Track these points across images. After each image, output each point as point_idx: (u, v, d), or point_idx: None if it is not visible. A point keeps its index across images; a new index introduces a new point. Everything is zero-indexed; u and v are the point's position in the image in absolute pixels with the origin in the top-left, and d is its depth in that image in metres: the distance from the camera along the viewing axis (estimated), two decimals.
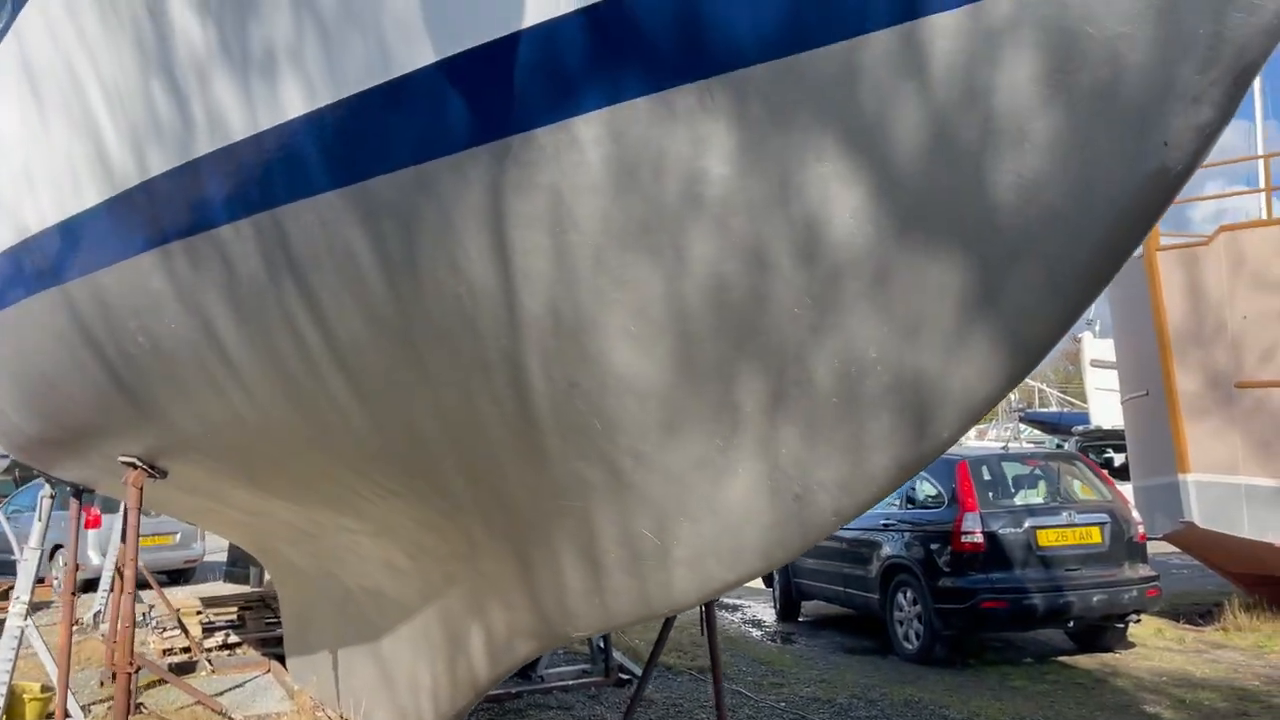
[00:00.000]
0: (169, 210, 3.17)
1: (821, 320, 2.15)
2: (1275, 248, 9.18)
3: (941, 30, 1.73)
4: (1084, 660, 9.03)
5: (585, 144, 2.20)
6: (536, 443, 3.06)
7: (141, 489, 4.86)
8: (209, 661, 9.36)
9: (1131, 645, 9.55)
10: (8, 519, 17.91)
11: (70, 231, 3.58)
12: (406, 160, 2.49)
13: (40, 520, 7.69)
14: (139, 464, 4.81)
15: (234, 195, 2.95)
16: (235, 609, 11.07)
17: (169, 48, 2.85)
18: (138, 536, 4.87)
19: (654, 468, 2.80)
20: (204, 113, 2.85)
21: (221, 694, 8.46)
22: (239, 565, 13.93)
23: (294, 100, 2.61)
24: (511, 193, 2.37)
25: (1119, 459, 18.16)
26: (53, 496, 7.84)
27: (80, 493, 6.91)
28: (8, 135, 3.67)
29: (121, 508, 8.32)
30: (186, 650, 9.97)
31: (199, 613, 10.80)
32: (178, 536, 16.15)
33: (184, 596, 12.23)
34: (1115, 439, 18.63)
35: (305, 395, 3.43)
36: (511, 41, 2.17)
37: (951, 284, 1.93)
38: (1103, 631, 9.29)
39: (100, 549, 15.82)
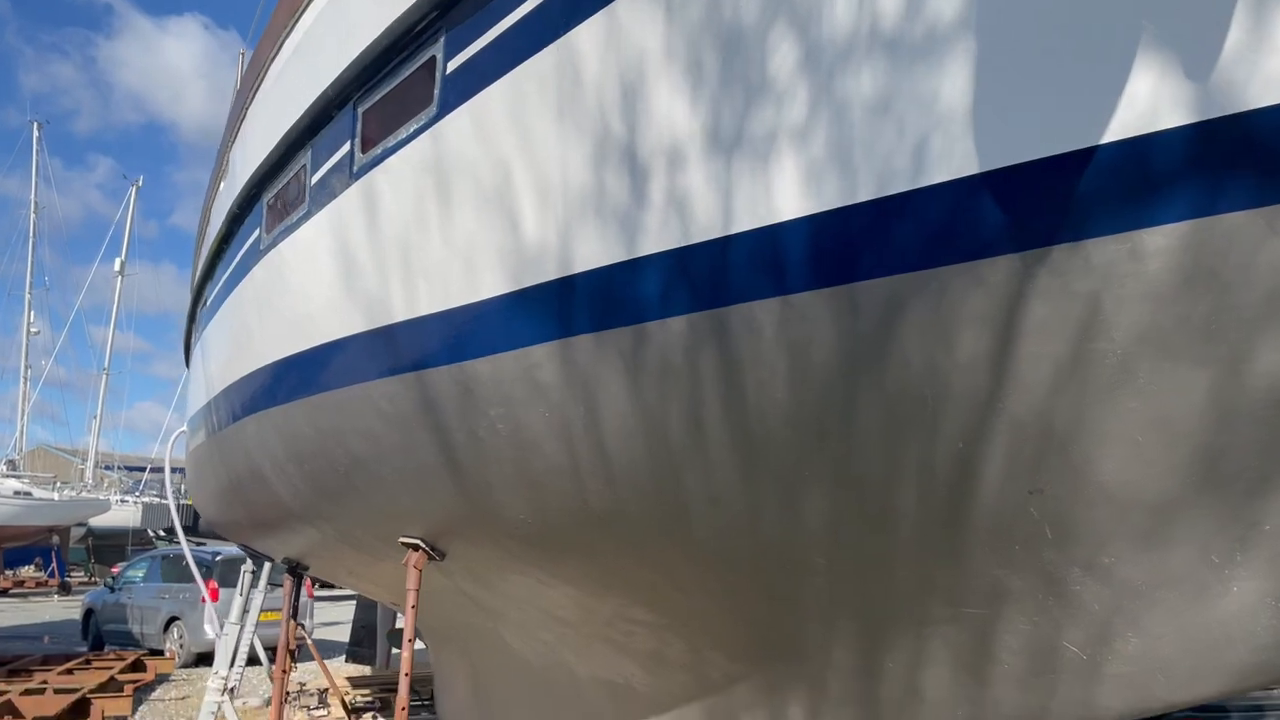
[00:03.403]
0: (587, 304, 3.25)
1: None
2: None
3: None
4: None
5: (1148, 255, 2.22)
6: (953, 547, 3.04)
7: (421, 571, 4.91)
8: None
9: None
10: (118, 589, 18.13)
11: (451, 321, 3.69)
12: (913, 265, 2.54)
13: (241, 595, 7.80)
14: (423, 545, 4.87)
15: (676, 293, 3.01)
16: (380, 690, 11.02)
17: (637, 141, 2.95)
18: (415, 618, 4.88)
19: (1109, 580, 2.76)
20: (664, 209, 2.94)
21: None
22: (364, 645, 13.94)
23: (789, 200, 2.67)
24: (1036, 299, 2.40)
25: None
26: (254, 572, 7.96)
27: (296, 569, 6.99)
28: (389, 230, 3.81)
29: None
30: None
31: (345, 693, 10.76)
32: None
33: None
34: None
35: (683, 489, 3.45)
36: (1084, 156, 2.23)
37: None
38: None
39: (216, 623, 15.97)
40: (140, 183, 52.59)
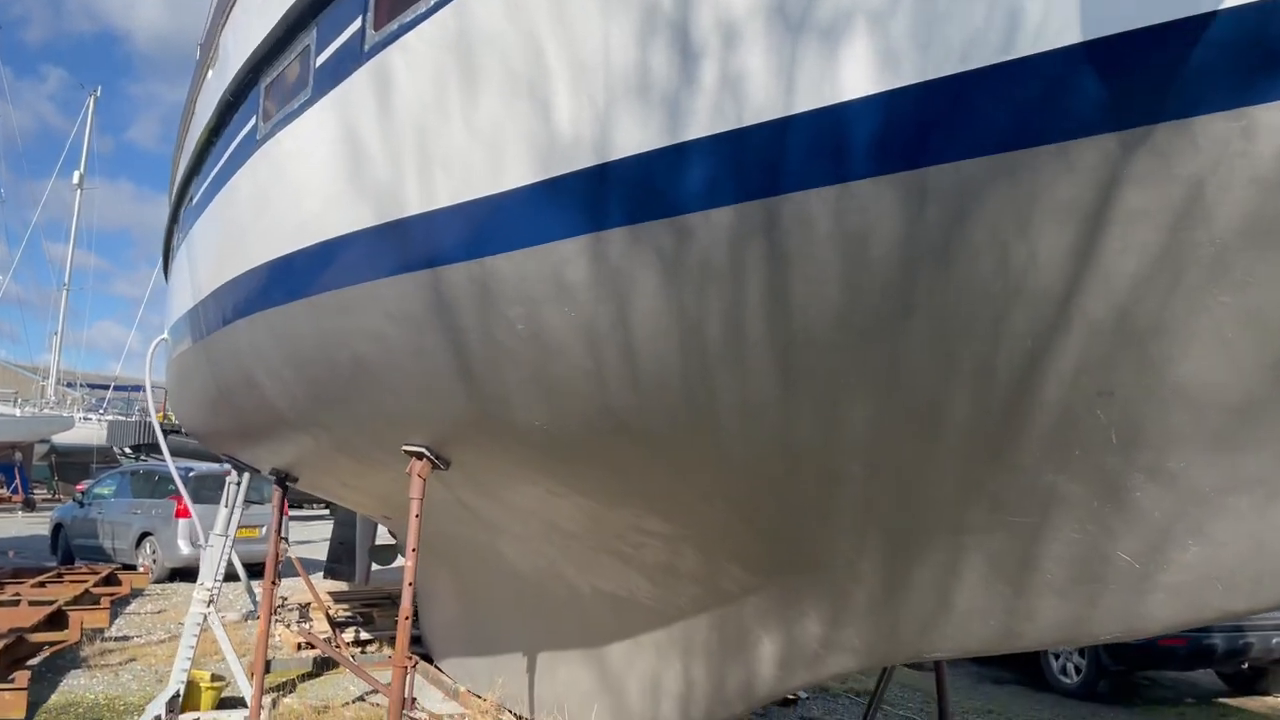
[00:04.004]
0: (623, 195, 3.05)
1: None
2: None
3: None
4: (1252, 704, 8.83)
5: (1262, 133, 2.07)
6: (1005, 453, 2.92)
7: (425, 480, 4.76)
8: (351, 658, 9.24)
9: None
10: (88, 504, 17.91)
11: (470, 214, 3.47)
12: (995, 148, 2.37)
13: (227, 507, 7.63)
14: (427, 454, 4.71)
15: (723, 182, 2.83)
16: (361, 605, 10.96)
17: (689, 10, 2.73)
18: (419, 527, 4.74)
19: (1174, 486, 2.66)
20: (716, 90, 2.74)
21: (375, 692, 8.35)
22: (341, 563, 13.86)
23: (859, 76, 2.49)
24: (1131, 185, 2.25)
25: None
26: (238, 484, 7.78)
27: (284, 480, 6.81)
28: (404, 116, 3.57)
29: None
30: (313, 645, 9.86)
31: (328, 608, 10.68)
32: (263, 530, 16.10)
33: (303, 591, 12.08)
34: None
35: (716, 394, 3.31)
36: (1200, 23, 2.05)
37: None
38: (1263, 674, 9.07)
39: (190, 539, 15.81)
40: (98, 93, 51.05)
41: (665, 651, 5.31)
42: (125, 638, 10.53)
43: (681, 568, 4.72)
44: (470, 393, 4.04)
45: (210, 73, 5.16)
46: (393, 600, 10.93)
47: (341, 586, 13.36)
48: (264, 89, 4.35)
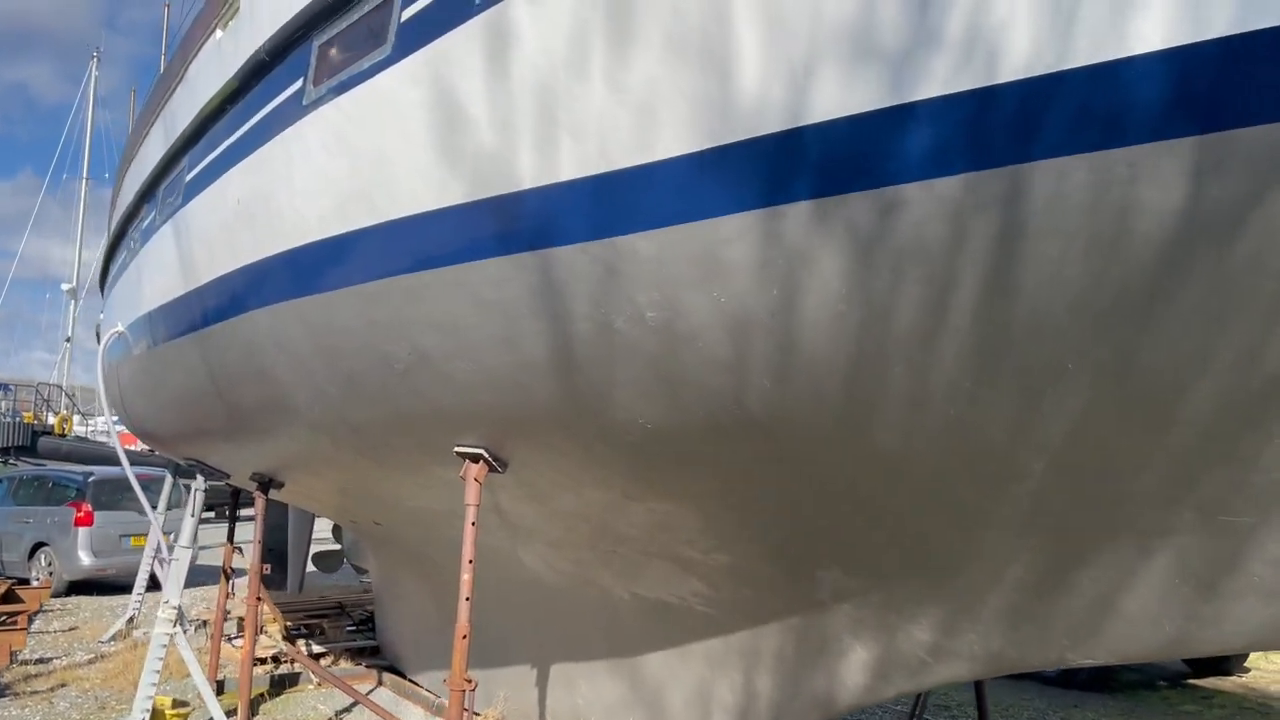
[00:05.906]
0: (817, 164, 2.70)
1: None
2: None
3: None
4: (1224, 684, 9.02)
5: None
6: (1236, 450, 2.69)
7: (482, 484, 4.33)
8: (312, 675, 8.61)
9: (1247, 670, 9.59)
10: None
11: (604, 188, 3.07)
12: None
13: (192, 516, 6.96)
14: (485, 456, 4.28)
15: (955, 147, 2.50)
16: (306, 616, 10.27)
17: None
18: (476, 536, 4.30)
19: None
20: (963, 43, 2.41)
21: (350, 709, 7.79)
22: (272, 571, 13.05)
23: (1156, 29, 2.20)
24: None
25: None
26: (204, 490, 7.10)
27: (267, 485, 6.20)
28: (526, 76, 3.13)
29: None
30: (266, 660, 9.18)
31: (286, 624, 9.97)
32: (173, 537, 15.08)
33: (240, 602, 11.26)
34: None
35: (887, 388, 3.00)
36: None
37: None
38: (1228, 656, 9.29)
39: (91, 549, 14.70)
40: None
41: (720, 661, 4.99)
42: (44, 660, 9.65)
43: (760, 573, 4.40)
44: (564, 388, 3.63)
45: (219, 31, 4.57)
46: (344, 610, 10.28)
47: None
48: (317, 48, 3.83)
